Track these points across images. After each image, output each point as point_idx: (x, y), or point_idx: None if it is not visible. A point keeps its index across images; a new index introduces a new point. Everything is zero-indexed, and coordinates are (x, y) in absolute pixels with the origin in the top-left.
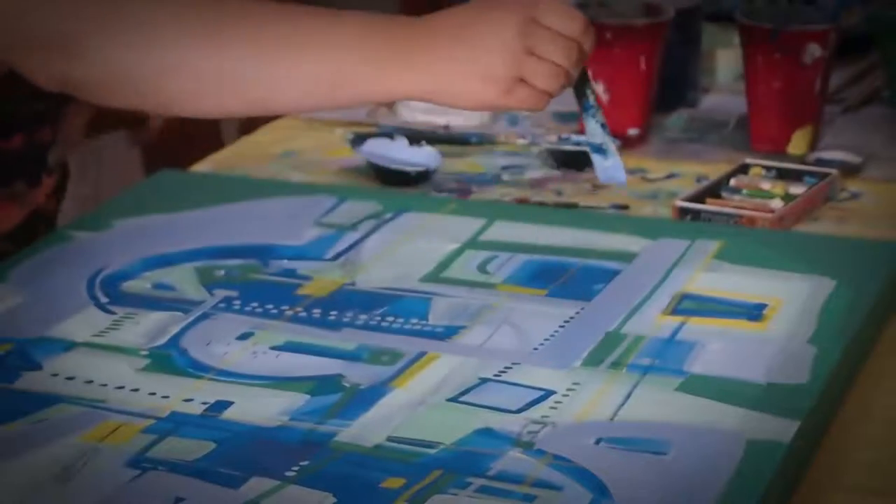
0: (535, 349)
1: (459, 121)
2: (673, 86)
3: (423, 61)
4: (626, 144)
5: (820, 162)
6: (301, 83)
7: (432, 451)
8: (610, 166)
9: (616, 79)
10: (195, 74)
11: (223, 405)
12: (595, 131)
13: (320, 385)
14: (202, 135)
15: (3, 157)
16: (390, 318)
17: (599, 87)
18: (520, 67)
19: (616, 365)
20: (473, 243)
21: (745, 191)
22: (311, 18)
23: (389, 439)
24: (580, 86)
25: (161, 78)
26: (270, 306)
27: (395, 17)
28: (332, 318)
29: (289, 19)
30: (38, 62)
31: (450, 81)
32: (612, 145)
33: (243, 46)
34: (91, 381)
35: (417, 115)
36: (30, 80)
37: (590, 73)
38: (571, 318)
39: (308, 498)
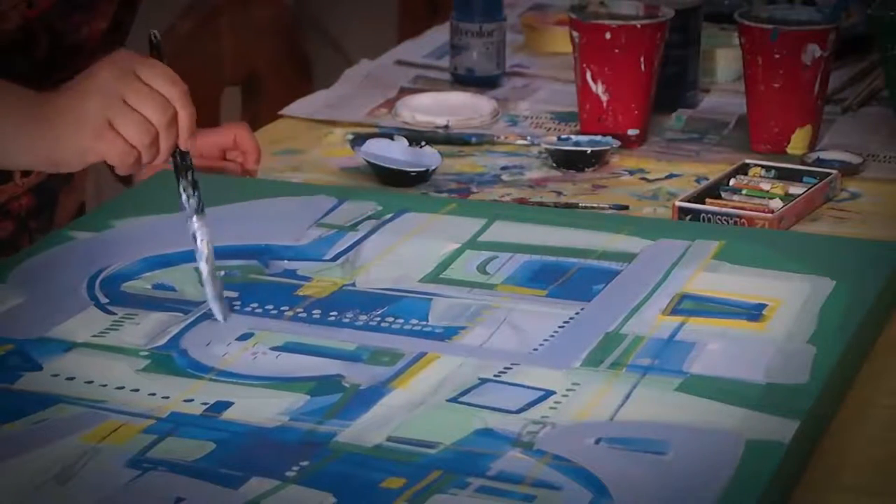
0: (535, 349)
1: (459, 120)
2: (673, 86)
3: (50, 123)
4: (626, 144)
5: (819, 162)
6: None
7: (432, 451)
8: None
9: (616, 79)
10: None
11: (223, 405)
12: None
13: (320, 385)
14: None
15: None
16: (390, 319)
17: (600, 88)
18: (110, 109)
19: (616, 365)
20: (473, 243)
21: (744, 191)
22: None
23: (389, 439)
24: (179, 170)
25: None
26: (270, 307)
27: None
28: (332, 318)
29: None
30: None
31: (55, 131)
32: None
33: None
34: (91, 382)
35: (417, 115)
36: None
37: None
38: (571, 318)
39: (308, 498)
